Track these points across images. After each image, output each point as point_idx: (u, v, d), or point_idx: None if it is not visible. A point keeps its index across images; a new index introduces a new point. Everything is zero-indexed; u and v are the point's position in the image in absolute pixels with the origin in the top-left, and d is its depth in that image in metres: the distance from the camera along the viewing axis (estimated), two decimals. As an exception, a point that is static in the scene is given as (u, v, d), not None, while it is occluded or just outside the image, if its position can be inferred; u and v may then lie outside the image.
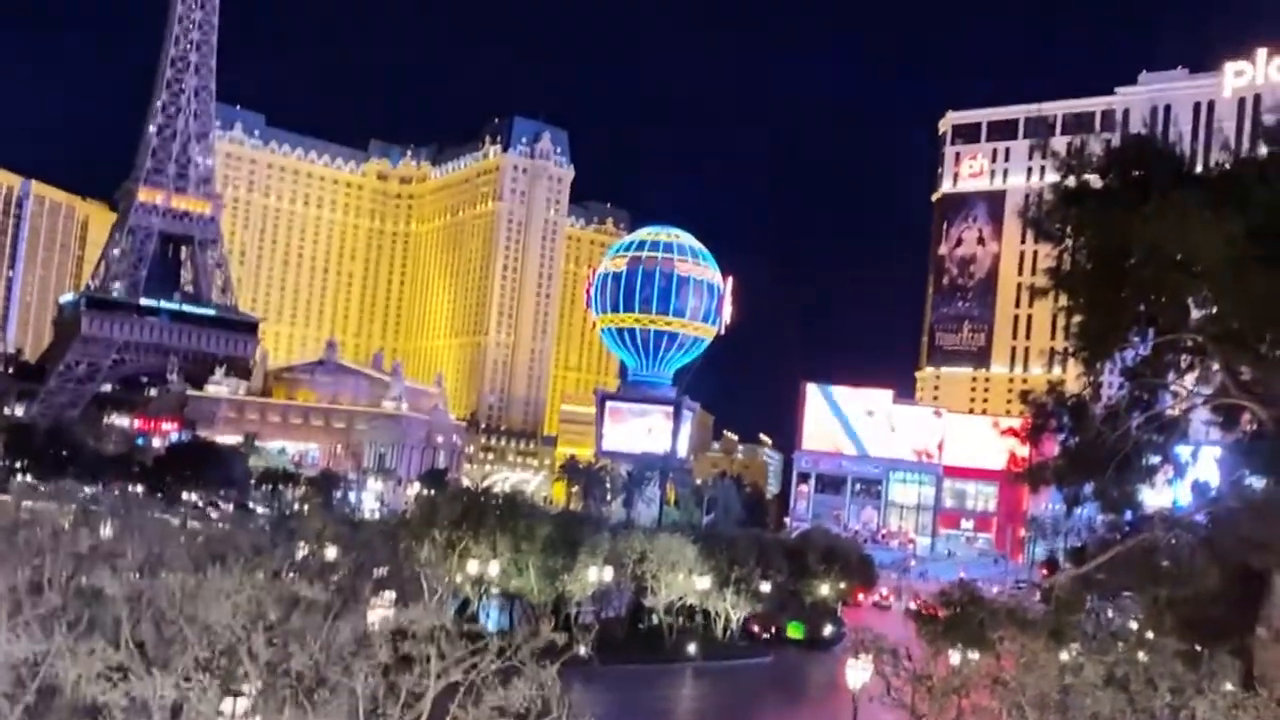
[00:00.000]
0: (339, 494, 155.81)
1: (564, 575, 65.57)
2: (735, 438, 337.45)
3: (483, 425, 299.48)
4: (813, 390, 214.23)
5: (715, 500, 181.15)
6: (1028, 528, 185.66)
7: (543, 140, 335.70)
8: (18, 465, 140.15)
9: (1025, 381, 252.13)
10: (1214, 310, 28.80)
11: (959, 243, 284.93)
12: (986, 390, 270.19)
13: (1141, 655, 28.20)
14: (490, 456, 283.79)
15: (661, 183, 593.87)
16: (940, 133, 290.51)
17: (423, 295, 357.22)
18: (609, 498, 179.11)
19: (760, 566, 79.72)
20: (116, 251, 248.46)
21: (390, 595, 39.18)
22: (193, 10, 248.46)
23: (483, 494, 76.68)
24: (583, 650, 46.52)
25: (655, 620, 72.60)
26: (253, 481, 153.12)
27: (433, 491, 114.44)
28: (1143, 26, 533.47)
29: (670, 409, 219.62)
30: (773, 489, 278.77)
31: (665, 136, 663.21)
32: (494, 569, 62.80)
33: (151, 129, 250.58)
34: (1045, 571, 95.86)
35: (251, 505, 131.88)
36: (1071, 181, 28.09)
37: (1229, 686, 24.43)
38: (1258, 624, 28.83)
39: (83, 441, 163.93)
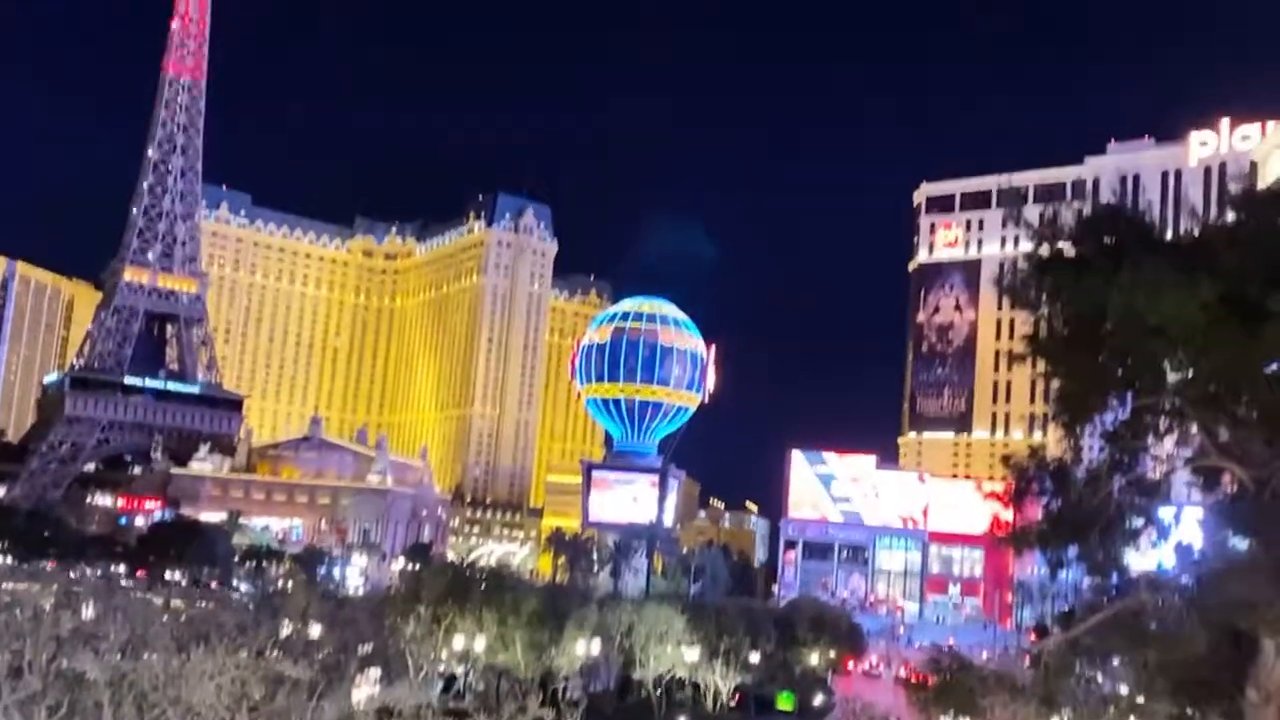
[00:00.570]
0: (323, 570, 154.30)
1: (551, 649, 65.01)
2: (721, 505, 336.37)
3: (468, 498, 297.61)
4: (798, 457, 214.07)
5: (702, 569, 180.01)
6: (1015, 592, 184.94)
7: (526, 215, 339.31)
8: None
9: (1007, 446, 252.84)
10: (1190, 374, 29.14)
11: (937, 310, 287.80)
12: (969, 455, 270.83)
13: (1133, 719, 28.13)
14: (476, 529, 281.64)
15: (643, 254, 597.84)
16: (915, 204, 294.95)
17: (407, 369, 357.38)
18: (595, 569, 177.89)
19: (749, 636, 79.19)
20: (102, 331, 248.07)
21: (375, 673, 38.83)
22: (179, 94, 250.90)
23: (468, 568, 76.30)
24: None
25: (644, 694, 71.81)
26: (236, 559, 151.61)
27: (418, 566, 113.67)
28: (1111, 94, 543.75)
29: (656, 478, 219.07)
30: (760, 556, 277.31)
31: (647, 209, 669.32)
32: (480, 644, 62.18)
33: (138, 210, 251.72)
34: (1034, 636, 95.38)
35: (235, 583, 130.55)
36: (1045, 250, 28.57)
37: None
38: (1247, 686, 28.82)
39: (65, 522, 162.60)
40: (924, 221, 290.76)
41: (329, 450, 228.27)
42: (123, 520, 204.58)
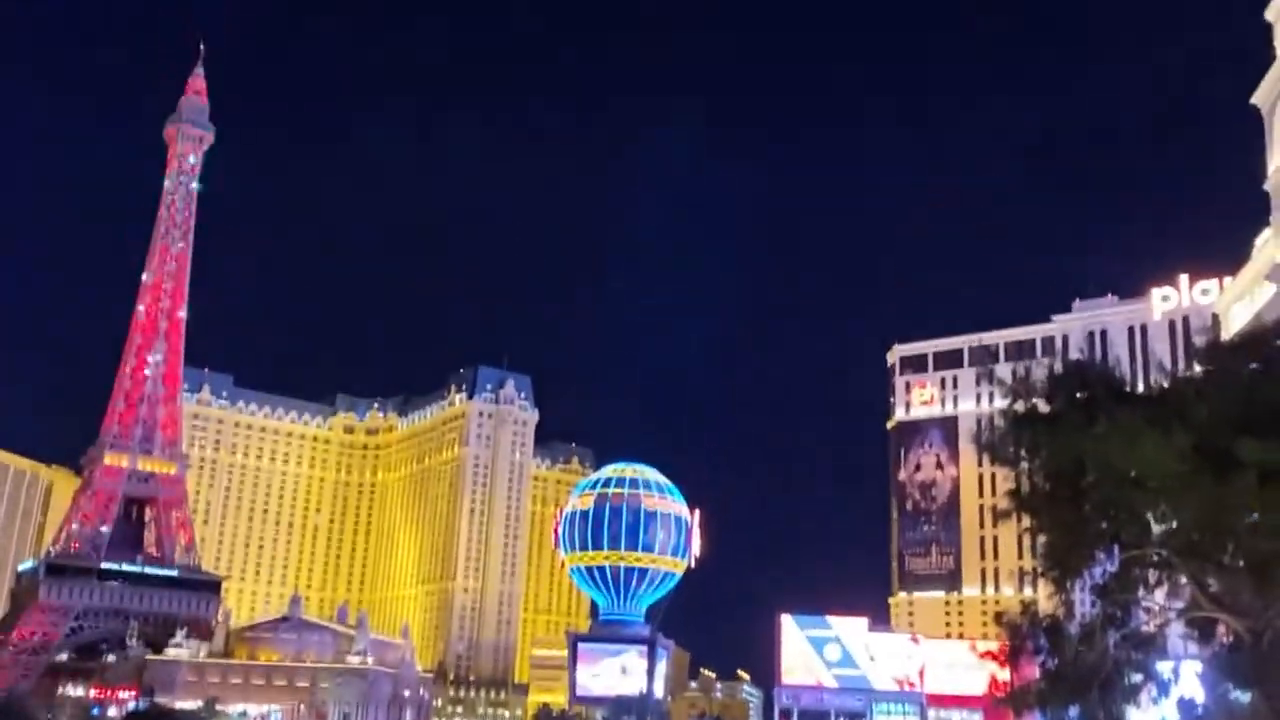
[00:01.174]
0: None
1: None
2: (713, 675, 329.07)
3: (451, 676, 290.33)
4: (788, 622, 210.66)
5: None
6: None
7: (507, 386, 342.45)
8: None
9: (998, 603, 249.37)
10: (1173, 524, 29.46)
11: (918, 468, 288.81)
12: (961, 613, 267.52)
13: None
14: (460, 709, 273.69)
15: (624, 420, 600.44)
16: (890, 364, 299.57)
17: (389, 545, 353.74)
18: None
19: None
20: (79, 516, 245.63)
21: None
22: (164, 281, 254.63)
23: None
24: None
25: None
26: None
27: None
28: (1076, 254, 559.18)
29: (644, 647, 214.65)
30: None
31: (626, 376, 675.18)
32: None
33: (119, 395, 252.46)
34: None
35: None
36: (1020, 406, 29.29)
37: None
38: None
39: (34, 715, 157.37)
40: (899, 381, 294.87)
41: (309, 630, 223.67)
42: (95, 710, 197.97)
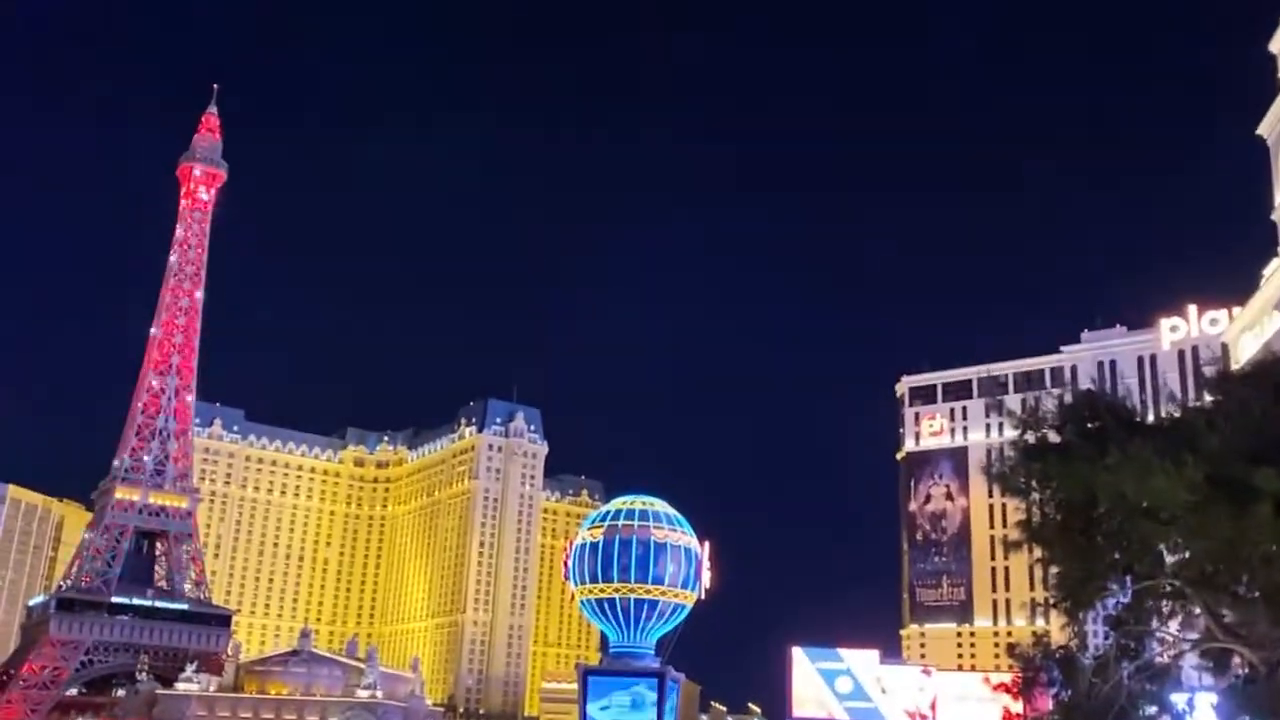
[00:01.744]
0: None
1: None
2: (724, 708, 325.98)
3: (460, 709, 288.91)
4: (799, 654, 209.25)
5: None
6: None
7: (516, 419, 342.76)
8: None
9: (1010, 634, 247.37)
10: (1187, 555, 29.41)
11: (928, 499, 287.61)
12: (973, 645, 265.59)
13: None
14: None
15: (633, 453, 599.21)
16: (898, 395, 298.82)
17: (399, 578, 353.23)
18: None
19: None
20: (90, 550, 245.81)
21: None
22: (177, 316, 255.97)
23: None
24: None
25: None
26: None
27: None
28: (1082, 287, 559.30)
29: (655, 680, 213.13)
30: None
31: (635, 409, 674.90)
32: None
33: (131, 429, 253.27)
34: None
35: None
36: (1030, 437, 29.32)
37: None
38: None
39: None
40: (908, 412, 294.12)
41: (318, 664, 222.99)
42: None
